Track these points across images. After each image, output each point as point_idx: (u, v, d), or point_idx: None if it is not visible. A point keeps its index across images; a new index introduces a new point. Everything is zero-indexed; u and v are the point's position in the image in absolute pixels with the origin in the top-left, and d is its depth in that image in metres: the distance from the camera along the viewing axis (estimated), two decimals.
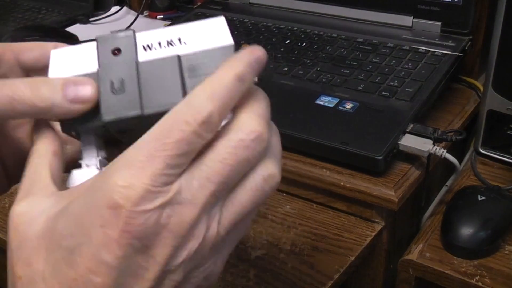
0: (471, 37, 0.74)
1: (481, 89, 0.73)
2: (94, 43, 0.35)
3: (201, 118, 0.28)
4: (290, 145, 0.62)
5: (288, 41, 0.79)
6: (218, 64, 0.32)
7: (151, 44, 0.34)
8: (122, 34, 0.34)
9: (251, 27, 0.84)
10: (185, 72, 0.33)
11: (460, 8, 0.73)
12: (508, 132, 0.63)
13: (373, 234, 0.57)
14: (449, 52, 0.71)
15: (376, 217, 0.58)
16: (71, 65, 0.34)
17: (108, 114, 0.33)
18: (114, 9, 1.10)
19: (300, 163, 0.61)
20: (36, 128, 0.33)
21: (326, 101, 0.65)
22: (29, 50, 0.37)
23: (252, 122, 0.30)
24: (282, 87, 0.69)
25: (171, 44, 0.34)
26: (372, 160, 0.57)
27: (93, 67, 0.34)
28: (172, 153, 0.27)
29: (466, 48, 0.72)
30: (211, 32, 0.34)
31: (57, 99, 0.32)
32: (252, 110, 0.31)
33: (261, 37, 0.81)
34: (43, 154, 0.32)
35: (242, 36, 0.81)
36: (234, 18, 0.87)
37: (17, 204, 0.30)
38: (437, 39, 0.74)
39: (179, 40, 0.34)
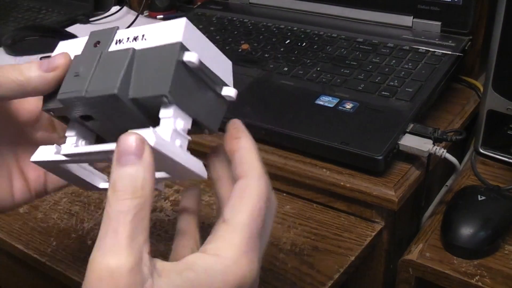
0: (471, 37, 0.74)
1: (481, 89, 0.73)
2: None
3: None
4: (290, 145, 0.62)
5: (288, 41, 0.79)
6: (161, 59, 0.34)
7: (122, 39, 0.37)
8: (107, 29, 0.38)
9: (251, 27, 0.84)
10: (135, 64, 0.35)
11: (460, 8, 0.73)
12: (508, 132, 0.63)
13: (373, 234, 0.57)
14: (449, 52, 0.71)
15: (376, 217, 0.59)
16: (67, 52, 0.39)
17: (61, 94, 0.37)
18: (114, 9, 1.10)
19: (300, 163, 0.61)
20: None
21: (326, 101, 0.65)
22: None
23: (261, 189, 0.35)
24: (282, 87, 0.69)
25: (135, 40, 0.36)
26: (372, 160, 0.57)
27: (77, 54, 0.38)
28: (260, 233, 0.34)
29: (466, 48, 0.72)
30: (169, 31, 0.35)
31: (34, 71, 0.37)
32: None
33: (261, 37, 0.81)
34: (148, 191, 0.31)
35: (242, 36, 0.82)
36: (234, 18, 0.87)
37: (121, 258, 0.29)
38: (437, 39, 0.74)
39: (143, 36, 0.36)
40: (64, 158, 0.38)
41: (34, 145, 0.40)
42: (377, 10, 0.80)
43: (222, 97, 0.38)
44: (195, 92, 0.36)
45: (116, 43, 0.37)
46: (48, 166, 0.39)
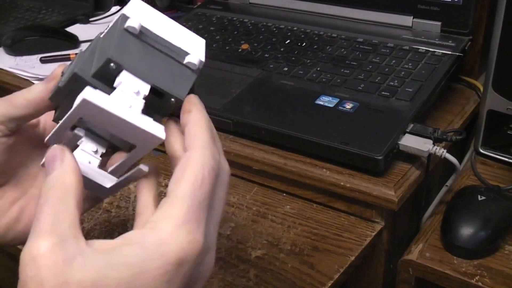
0: (471, 37, 0.74)
1: (481, 89, 0.73)
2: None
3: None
4: (290, 145, 0.62)
5: (288, 41, 0.79)
6: (112, 33, 0.36)
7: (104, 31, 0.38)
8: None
9: (251, 27, 0.84)
10: (98, 46, 0.37)
11: (460, 8, 0.73)
12: (508, 132, 0.63)
13: (373, 234, 0.57)
14: (449, 52, 0.71)
15: (376, 217, 0.58)
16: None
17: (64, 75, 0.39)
18: (114, 9, 1.10)
19: (300, 163, 0.61)
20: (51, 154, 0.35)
21: (326, 101, 0.65)
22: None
23: (204, 159, 0.33)
24: (282, 87, 0.69)
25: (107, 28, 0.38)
26: (372, 160, 0.57)
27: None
28: (206, 204, 0.32)
29: (466, 48, 0.72)
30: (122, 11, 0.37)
31: (38, 86, 0.40)
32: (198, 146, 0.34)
33: (261, 37, 0.81)
34: (69, 185, 0.32)
35: (242, 36, 0.82)
36: (234, 18, 0.87)
37: (41, 242, 0.29)
38: (437, 39, 0.74)
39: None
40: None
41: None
42: (377, 10, 0.80)
43: (186, 66, 0.38)
44: (148, 58, 0.36)
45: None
46: None
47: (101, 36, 0.38)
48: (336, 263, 0.53)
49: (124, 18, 0.36)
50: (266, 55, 0.75)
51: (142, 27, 0.36)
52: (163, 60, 0.37)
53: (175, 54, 0.38)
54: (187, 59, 0.38)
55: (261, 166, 0.62)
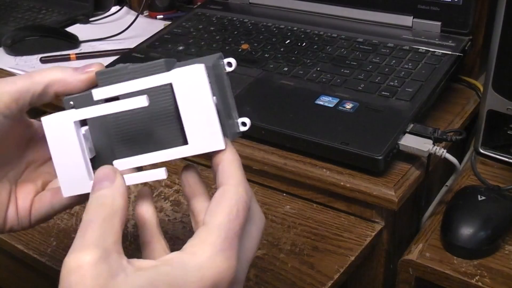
0: (471, 37, 0.74)
1: (481, 89, 0.73)
2: None
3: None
4: (290, 145, 0.62)
5: (288, 41, 0.79)
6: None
7: None
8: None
9: (251, 27, 0.84)
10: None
11: (460, 8, 0.73)
12: (508, 132, 0.63)
13: (373, 234, 0.57)
14: (449, 52, 0.71)
15: (376, 217, 0.59)
16: None
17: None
18: (114, 9, 1.10)
19: (300, 163, 0.61)
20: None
21: (326, 101, 0.65)
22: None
23: (238, 194, 0.36)
24: (282, 87, 0.69)
25: None
26: (372, 160, 0.57)
27: None
28: (239, 235, 0.35)
29: (466, 48, 0.72)
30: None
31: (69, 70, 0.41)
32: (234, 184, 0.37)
33: (261, 37, 0.81)
34: (117, 207, 0.35)
35: (242, 36, 0.82)
36: (234, 18, 0.87)
37: (88, 253, 0.31)
38: (437, 39, 0.74)
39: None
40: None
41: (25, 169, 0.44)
42: (377, 10, 0.80)
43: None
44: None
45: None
46: None
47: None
48: (336, 263, 0.53)
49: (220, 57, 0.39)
50: (266, 55, 0.75)
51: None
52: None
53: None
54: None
55: (261, 166, 0.62)
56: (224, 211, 0.35)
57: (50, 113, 0.39)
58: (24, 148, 0.44)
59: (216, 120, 0.37)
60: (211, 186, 0.64)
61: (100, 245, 0.32)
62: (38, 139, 0.44)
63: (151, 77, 0.37)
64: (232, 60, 0.39)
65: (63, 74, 0.41)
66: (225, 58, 0.40)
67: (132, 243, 0.56)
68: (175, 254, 0.34)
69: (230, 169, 0.37)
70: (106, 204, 0.34)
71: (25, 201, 0.43)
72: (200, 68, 0.37)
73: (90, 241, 0.32)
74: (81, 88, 0.41)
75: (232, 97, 0.41)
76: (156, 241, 0.37)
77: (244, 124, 0.40)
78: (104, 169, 0.37)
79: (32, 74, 0.41)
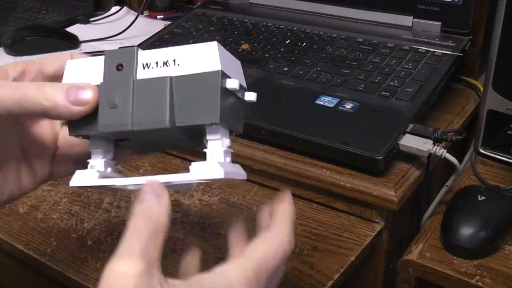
0: (471, 37, 0.74)
1: (481, 89, 0.73)
2: (103, 56, 0.38)
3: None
4: (290, 145, 0.62)
5: (288, 41, 0.79)
6: (204, 87, 0.36)
7: (149, 63, 0.37)
8: (126, 50, 0.38)
9: (251, 27, 0.84)
10: (174, 91, 0.37)
11: (460, 8, 0.73)
12: (508, 132, 0.63)
13: (373, 234, 0.57)
14: (449, 52, 0.71)
15: (376, 217, 0.59)
16: (81, 75, 0.39)
17: (103, 126, 0.37)
18: (114, 9, 1.10)
19: (300, 163, 0.61)
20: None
21: (326, 101, 0.65)
22: (51, 62, 0.42)
23: (283, 241, 0.39)
24: (282, 87, 0.69)
25: (166, 65, 0.37)
26: (372, 160, 0.57)
27: (99, 79, 0.38)
28: (267, 276, 0.37)
29: (466, 48, 0.72)
30: (203, 56, 0.37)
31: (60, 100, 0.37)
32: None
33: (261, 37, 0.81)
34: (162, 225, 0.35)
35: (242, 36, 0.82)
36: (234, 18, 0.87)
37: (133, 263, 0.32)
38: (437, 39, 0.74)
39: (174, 61, 0.37)
40: (104, 183, 0.40)
41: (39, 135, 0.44)
42: (377, 10, 0.80)
43: (244, 101, 0.40)
44: (232, 108, 0.38)
45: (144, 68, 0.38)
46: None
47: (171, 75, 0.37)
48: (336, 263, 0.53)
49: (223, 75, 0.37)
50: (266, 55, 0.75)
51: (239, 84, 0.38)
52: (236, 104, 0.39)
53: (241, 93, 0.40)
54: (247, 97, 0.40)
55: (261, 166, 0.62)
56: (264, 249, 0.37)
57: None
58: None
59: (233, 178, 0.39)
60: (211, 186, 0.64)
61: (146, 258, 0.32)
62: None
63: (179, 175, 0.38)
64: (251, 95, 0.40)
65: (50, 103, 0.37)
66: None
67: None
68: (206, 273, 0.35)
69: (282, 219, 0.40)
70: (153, 219, 0.35)
71: (42, 163, 0.45)
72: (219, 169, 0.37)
73: (137, 251, 0.32)
74: (72, 119, 0.39)
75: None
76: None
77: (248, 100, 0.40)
78: (153, 184, 0.36)
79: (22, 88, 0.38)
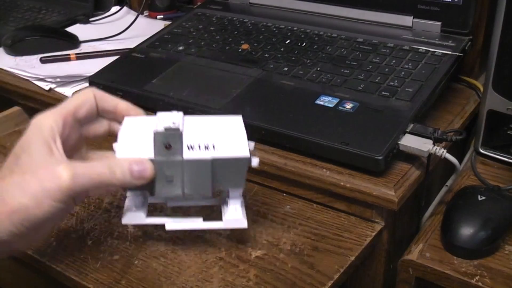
0: (471, 37, 0.74)
1: (481, 89, 0.73)
2: (154, 131, 0.48)
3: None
4: (290, 145, 0.62)
5: (288, 41, 0.79)
6: (236, 166, 0.49)
7: (193, 146, 0.48)
8: (173, 133, 0.47)
9: (251, 27, 0.84)
10: (215, 168, 0.48)
11: (460, 8, 0.73)
12: (508, 132, 0.63)
13: (373, 234, 0.57)
14: (449, 52, 0.71)
15: (376, 217, 0.59)
16: (135, 146, 0.49)
17: (159, 195, 0.50)
18: (114, 9, 1.10)
19: (300, 163, 0.61)
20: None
21: (326, 101, 0.65)
22: (80, 108, 0.51)
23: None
24: (282, 87, 0.69)
25: (207, 148, 0.48)
26: (372, 160, 0.57)
27: (150, 153, 0.48)
28: None
29: (466, 48, 0.72)
30: (236, 143, 0.49)
31: (128, 178, 0.47)
32: None
33: (261, 37, 0.81)
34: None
35: (242, 36, 0.82)
36: (234, 18, 0.87)
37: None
38: (437, 39, 0.74)
39: (213, 146, 0.49)
40: (153, 222, 0.53)
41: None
42: (377, 10, 0.80)
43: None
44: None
45: (189, 149, 0.48)
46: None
47: (212, 157, 0.48)
48: (336, 263, 0.53)
49: (249, 159, 0.49)
50: (266, 55, 0.75)
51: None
52: None
53: None
54: (253, 163, 0.50)
55: (261, 166, 0.62)
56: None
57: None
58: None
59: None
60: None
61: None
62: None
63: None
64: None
65: (119, 182, 0.48)
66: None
67: (132, 243, 0.56)
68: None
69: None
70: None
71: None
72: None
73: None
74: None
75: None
76: None
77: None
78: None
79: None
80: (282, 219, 0.59)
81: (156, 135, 0.47)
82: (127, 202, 0.53)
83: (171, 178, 0.49)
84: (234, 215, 0.52)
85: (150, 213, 0.53)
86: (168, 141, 0.47)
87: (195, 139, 0.49)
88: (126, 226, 0.58)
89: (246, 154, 0.49)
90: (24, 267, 0.61)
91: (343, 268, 0.53)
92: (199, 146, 0.48)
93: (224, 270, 0.52)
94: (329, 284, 0.51)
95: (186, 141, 0.48)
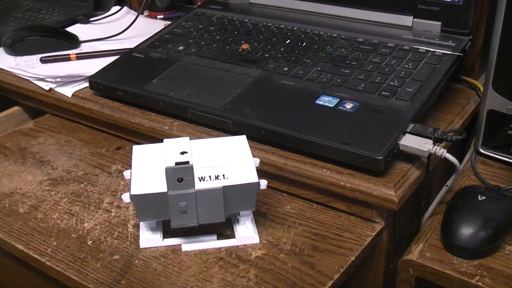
0: (471, 37, 0.74)
1: (481, 89, 0.73)
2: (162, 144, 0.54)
3: None
4: (290, 145, 0.62)
5: (288, 41, 0.79)
6: (246, 191, 0.53)
7: (204, 177, 0.52)
8: (184, 167, 0.50)
9: (251, 27, 0.84)
10: (226, 194, 0.52)
11: (460, 8, 0.73)
12: (508, 132, 0.63)
13: (373, 234, 0.57)
14: (449, 52, 0.71)
15: (376, 217, 0.59)
16: (148, 180, 0.52)
17: (175, 225, 0.53)
18: (114, 9, 1.10)
19: (300, 163, 0.61)
20: None
21: (326, 101, 0.65)
22: None
23: None
24: (282, 87, 0.69)
25: (217, 178, 0.52)
26: (372, 160, 0.57)
27: (163, 187, 0.51)
28: None
29: (466, 48, 0.72)
30: (244, 168, 0.53)
31: None
32: None
33: (261, 37, 0.81)
34: None
35: (242, 36, 0.82)
36: (234, 18, 0.87)
37: None
38: (437, 39, 0.74)
39: (223, 175, 0.52)
40: (170, 243, 0.56)
41: None
42: (377, 10, 0.80)
43: None
44: None
45: (200, 180, 0.51)
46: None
47: (222, 185, 0.52)
48: (336, 263, 0.53)
49: (257, 184, 0.53)
50: (266, 55, 0.75)
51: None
52: None
53: None
54: (262, 185, 0.55)
55: (261, 166, 0.62)
56: None
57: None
58: None
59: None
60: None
61: None
62: None
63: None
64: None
65: None
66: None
67: (132, 243, 0.56)
68: None
69: None
70: None
71: None
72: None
73: None
74: None
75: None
76: None
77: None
78: None
79: None
80: (282, 219, 0.59)
81: (168, 170, 0.50)
82: (143, 225, 0.56)
83: (185, 209, 0.51)
84: (246, 232, 0.56)
85: (163, 228, 0.57)
86: (180, 175, 0.50)
87: (205, 169, 0.52)
88: (126, 226, 0.58)
89: (255, 179, 0.53)
90: (24, 267, 0.61)
91: (343, 268, 0.53)
92: (210, 177, 0.52)
93: (224, 270, 0.53)
94: (329, 284, 0.51)
95: (196, 172, 0.51)
